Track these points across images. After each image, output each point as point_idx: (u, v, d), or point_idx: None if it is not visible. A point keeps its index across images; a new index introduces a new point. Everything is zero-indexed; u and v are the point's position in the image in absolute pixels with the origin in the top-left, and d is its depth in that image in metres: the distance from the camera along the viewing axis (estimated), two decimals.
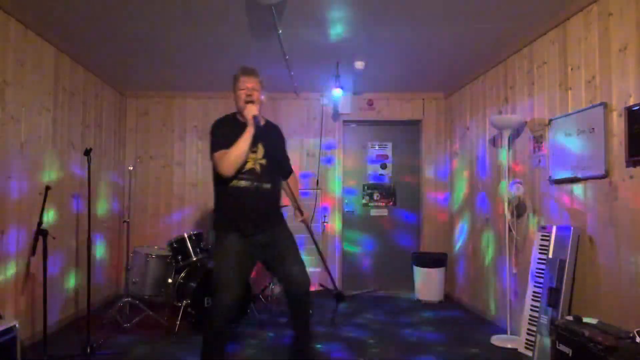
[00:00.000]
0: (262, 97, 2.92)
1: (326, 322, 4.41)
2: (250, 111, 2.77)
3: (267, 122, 3.01)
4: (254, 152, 2.83)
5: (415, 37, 4.11)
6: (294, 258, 2.89)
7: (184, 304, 4.17)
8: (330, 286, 3.71)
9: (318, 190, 5.98)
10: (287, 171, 3.13)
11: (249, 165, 2.81)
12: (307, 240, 3.38)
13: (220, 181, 2.83)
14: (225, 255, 2.79)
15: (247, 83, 2.83)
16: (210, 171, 2.96)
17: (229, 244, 2.79)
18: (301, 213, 3.02)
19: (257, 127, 2.76)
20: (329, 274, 3.43)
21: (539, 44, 3.87)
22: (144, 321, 4.29)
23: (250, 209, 2.81)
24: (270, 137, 2.95)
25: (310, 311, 3.16)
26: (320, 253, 3.26)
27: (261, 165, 2.84)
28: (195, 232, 4.67)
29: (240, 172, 2.78)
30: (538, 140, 3.84)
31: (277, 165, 2.95)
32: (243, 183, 2.80)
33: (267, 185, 2.86)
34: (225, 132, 2.83)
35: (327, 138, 6.05)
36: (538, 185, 3.84)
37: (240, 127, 2.79)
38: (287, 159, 3.16)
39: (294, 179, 3.19)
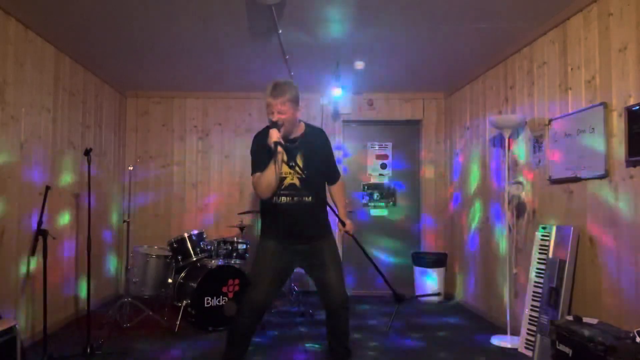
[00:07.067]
0: (296, 113, 2.76)
1: (380, 328, 4.00)
2: (271, 137, 2.63)
3: (308, 131, 2.88)
4: (292, 167, 2.73)
5: (415, 37, 4.11)
6: (333, 269, 2.82)
7: (184, 304, 4.18)
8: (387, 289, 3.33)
9: None
10: (332, 178, 3.02)
11: (288, 181, 2.75)
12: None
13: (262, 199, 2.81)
14: (261, 257, 2.82)
15: (274, 106, 2.68)
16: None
17: (266, 248, 2.81)
18: (343, 224, 2.87)
19: (286, 147, 2.67)
20: (382, 274, 3.11)
21: (539, 44, 3.87)
22: (144, 321, 4.29)
23: (292, 224, 2.78)
24: (310, 146, 2.83)
25: (348, 326, 2.93)
26: (368, 257, 3.05)
27: (301, 179, 2.75)
28: (195, 232, 4.68)
29: (280, 189, 2.74)
30: (538, 140, 3.84)
31: (320, 175, 2.86)
32: (284, 199, 2.75)
33: (308, 199, 2.77)
34: (259, 152, 2.75)
35: None
36: (538, 185, 3.84)
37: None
38: (332, 165, 3.00)
39: (339, 187, 3.06)
